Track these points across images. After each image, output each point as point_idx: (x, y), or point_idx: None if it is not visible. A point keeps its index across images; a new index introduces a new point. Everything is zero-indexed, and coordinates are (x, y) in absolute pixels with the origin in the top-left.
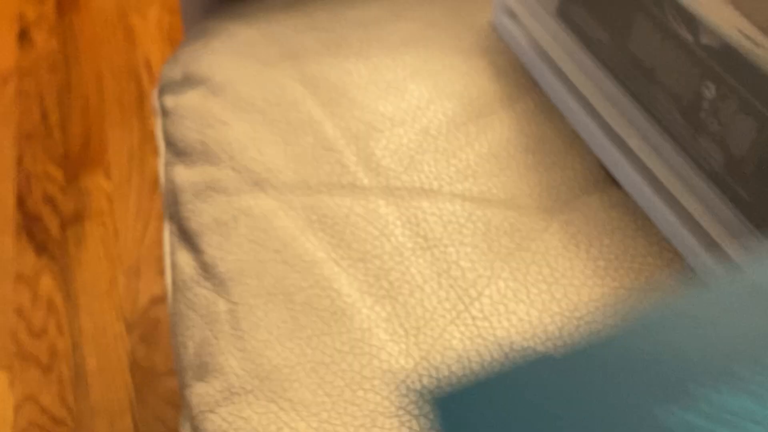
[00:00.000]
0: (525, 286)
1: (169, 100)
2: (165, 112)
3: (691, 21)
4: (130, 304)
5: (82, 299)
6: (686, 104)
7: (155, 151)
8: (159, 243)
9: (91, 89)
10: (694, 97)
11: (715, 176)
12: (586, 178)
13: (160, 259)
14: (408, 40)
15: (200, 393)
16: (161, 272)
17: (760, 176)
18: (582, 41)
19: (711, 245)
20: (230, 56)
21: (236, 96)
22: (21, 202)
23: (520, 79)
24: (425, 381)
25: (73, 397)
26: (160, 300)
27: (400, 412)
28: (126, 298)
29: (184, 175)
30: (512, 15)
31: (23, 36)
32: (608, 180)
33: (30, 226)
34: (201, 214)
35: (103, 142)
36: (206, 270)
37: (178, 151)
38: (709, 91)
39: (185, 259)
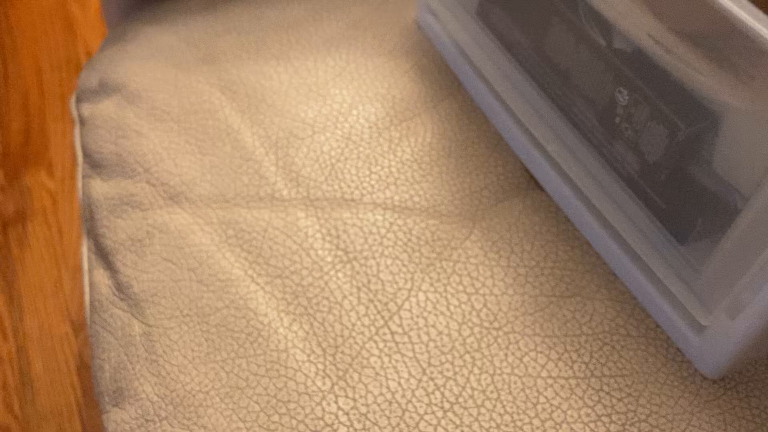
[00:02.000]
0: (445, 297)
1: (86, 109)
2: (82, 122)
3: (604, 24)
4: (77, 304)
5: (26, 301)
6: (601, 109)
7: None
8: None
9: (31, 83)
10: (609, 102)
11: (632, 182)
12: (509, 181)
13: None
14: (330, 42)
15: (116, 420)
16: None
17: (673, 183)
18: (501, 42)
19: (630, 251)
20: (146, 62)
21: (152, 104)
22: None
23: (445, 79)
24: (341, 402)
25: (19, 403)
26: None
27: None
28: (72, 298)
29: (100, 189)
30: (435, 14)
31: None
32: (532, 183)
33: None
34: (116, 231)
35: (44, 138)
36: (121, 290)
37: (94, 163)
38: (623, 97)
39: (101, 278)
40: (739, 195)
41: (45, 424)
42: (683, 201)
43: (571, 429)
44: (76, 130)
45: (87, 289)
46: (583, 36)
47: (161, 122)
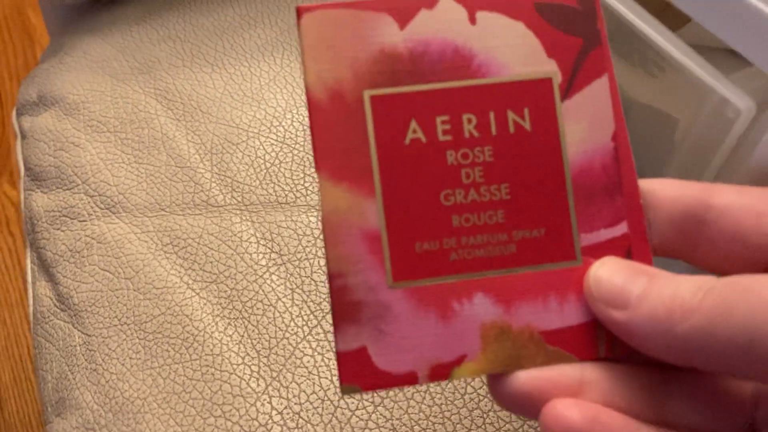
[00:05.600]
0: None
1: (26, 122)
2: (23, 135)
3: None
4: None
5: None
6: None
7: None
8: None
9: None
10: None
11: None
12: None
13: None
14: (265, 47)
15: (58, 430)
16: None
17: None
18: None
19: None
20: (83, 73)
21: (89, 116)
22: None
23: None
24: (275, 402)
25: None
26: None
27: None
28: None
29: (41, 201)
30: None
31: None
32: None
33: None
34: (56, 243)
35: (5, 148)
36: (62, 301)
37: (34, 175)
38: None
39: (43, 290)
40: None
41: None
42: None
43: (498, 417)
44: (18, 144)
45: (31, 301)
46: None
47: (98, 133)
